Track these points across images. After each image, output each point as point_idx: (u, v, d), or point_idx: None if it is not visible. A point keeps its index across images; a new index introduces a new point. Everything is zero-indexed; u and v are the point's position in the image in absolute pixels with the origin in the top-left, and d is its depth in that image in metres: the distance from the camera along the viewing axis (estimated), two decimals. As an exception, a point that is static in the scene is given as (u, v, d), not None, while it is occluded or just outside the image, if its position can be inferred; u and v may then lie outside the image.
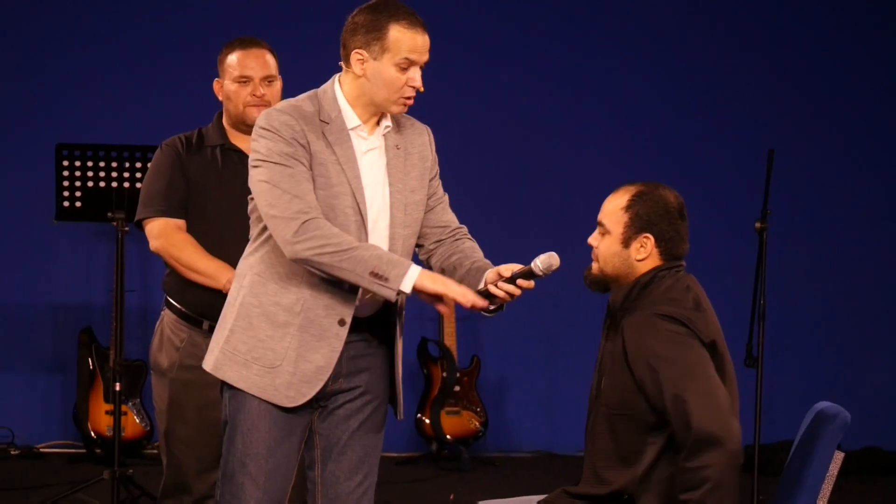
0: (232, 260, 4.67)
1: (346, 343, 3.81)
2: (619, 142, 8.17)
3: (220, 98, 4.84)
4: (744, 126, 8.17)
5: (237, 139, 4.83)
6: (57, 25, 7.83)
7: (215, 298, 4.66)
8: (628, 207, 3.87)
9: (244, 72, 4.76)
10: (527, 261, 3.71)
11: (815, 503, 3.81)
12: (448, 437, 7.74)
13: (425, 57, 3.75)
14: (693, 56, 8.19)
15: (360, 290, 3.77)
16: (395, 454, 7.73)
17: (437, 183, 3.98)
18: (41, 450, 7.75)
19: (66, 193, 6.32)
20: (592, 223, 3.95)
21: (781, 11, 8.23)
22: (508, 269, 3.72)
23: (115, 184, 6.31)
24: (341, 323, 3.77)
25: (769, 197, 6.32)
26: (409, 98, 3.77)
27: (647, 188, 3.89)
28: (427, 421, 7.74)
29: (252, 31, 7.75)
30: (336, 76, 3.85)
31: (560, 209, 8.03)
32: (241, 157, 4.77)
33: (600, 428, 3.84)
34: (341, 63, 3.82)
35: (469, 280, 3.82)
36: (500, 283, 3.68)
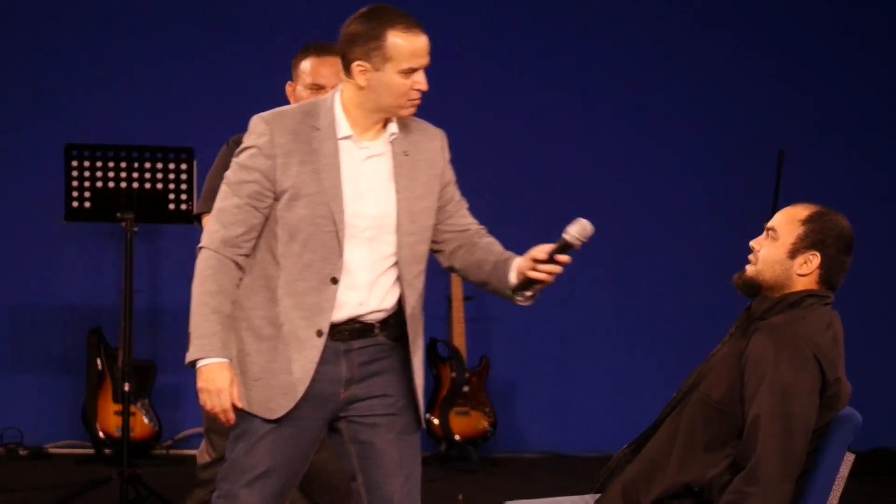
0: None
1: (356, 350, 3.81)
2: (626, 143, 8.16)
3: (292, 101, 4.82)
4: (754, 127, 8.16)
5: None
6: (66, 26, 7.82)
7: None
8: (806, 221, 3.89)
9: (317, 79, 4.76)
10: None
11: (825, 505, 3.80)
12: (457, 437, 7.74)
13: (426, 60, 3.72)
14: (702, 57, 8.18)
15: (339, 295, 3.77)
16: (404, 455, 7.73)
17: (453, 188, 3.95)
18: (50, 450, 7.74)
19: (75, 194, 6.33)
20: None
21: (792, 12, 8.22)
22: (542, 250, 3.72)
23: (123, 184, 6.32)
24: (319, 334, 3.76)
25: (779, 197, 6.31)
26: (415, 100, 3.75)
27: (828, 211, 3.94)
28: (436, 421, 7.74)
29: (263, 33, 7.76)
30: (339, 85, 3.82)
31: (569, 211, 8.00)
32: None
33: (693, 415, 3.82)
34: (341, 74, 3.79)
35: (497, 274, 3.82)
36: (540, 267, 3.70)
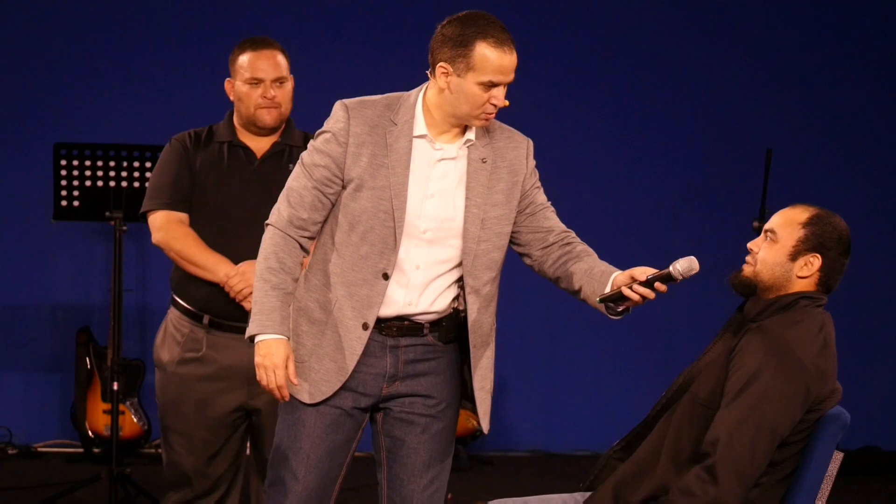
0: (231, 253, 4.69)
1: (404, 347, 3.83)
2: (614, 141, 8.16)
3: (231, 98, 4.81)
4: (742, 126, 8.16)
5: (246, 137, 4.82)
6: (55, 25, 7.81)
7: (215, 293, 4.68)
8: (807, 224, 3.91)
9: (255, 73, 4.73)
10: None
11: (814, 503, 3.81)
12: (446, 436, 7.73)
13: (510, 77, 3.73)
14: (691, 56, 8.18)
15: (387, 293, 3.78)
16: (393, 453, 7.73)
17: (536, 192, 3.97)
18: (39, 449, 7.73)
19: (63, 193, 6.32)
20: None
21: (780, 11, 8.23)
22: (644, 272, 3.72)
23: (112, 183, 6.32)
24: (364, 327, 3.78)
25: (767, 196, 6.31)
26: (490, 113, 3.76)
27: (825, 213, 3.96)
28: (425, 420, 7.73)
29: (251, 30, 7.74)
30: (428, 82, 3.81)
31: (557, 209, 8.01)
32: (248, 153, 4.78)
33: (682, 416, 3.83)
34: (428, 72, 3.78)
35: (593, 285, 3.81)
36: (636, 287, 3.70)
